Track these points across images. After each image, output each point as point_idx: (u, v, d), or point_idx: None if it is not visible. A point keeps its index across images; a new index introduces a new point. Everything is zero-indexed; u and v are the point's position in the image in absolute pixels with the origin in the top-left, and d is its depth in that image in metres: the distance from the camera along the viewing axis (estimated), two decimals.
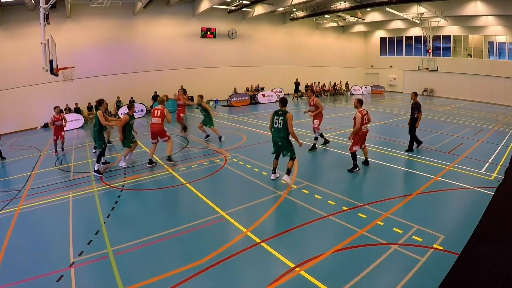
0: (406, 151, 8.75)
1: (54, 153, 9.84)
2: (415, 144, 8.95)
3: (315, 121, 9.21)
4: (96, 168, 7.56)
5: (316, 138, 9.29)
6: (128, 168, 7.96)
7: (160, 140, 8.04)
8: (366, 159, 7.65)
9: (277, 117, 6.28)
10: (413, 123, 8.59)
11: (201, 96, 10.46)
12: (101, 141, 7.65)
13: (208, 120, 10.28)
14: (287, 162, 6.40)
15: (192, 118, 15.76)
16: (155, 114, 7.88)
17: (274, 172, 6.76)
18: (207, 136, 10.62)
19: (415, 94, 8.80)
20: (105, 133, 8.30)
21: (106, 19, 17.37)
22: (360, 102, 7.26)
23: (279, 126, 6.25)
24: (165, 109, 8.00)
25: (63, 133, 10.05)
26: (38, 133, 14.81)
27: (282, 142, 6.31)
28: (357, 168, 7.27)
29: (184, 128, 11.83)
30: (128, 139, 7.84)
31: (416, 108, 8.54)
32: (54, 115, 9.87)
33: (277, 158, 6.66)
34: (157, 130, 7.87)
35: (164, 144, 8.14)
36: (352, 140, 7.24)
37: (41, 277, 3.77)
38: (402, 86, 27.57)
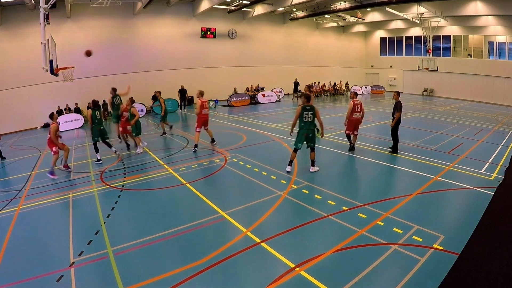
0: (390, 152, 8.61)
1: (52, 177, 7.44)
2: (398, 147, 8.62)
3: None
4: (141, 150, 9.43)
5: None
6: (128, 168, 7.97)
7: (207, 128, 9.57)
8: (353, 145, 8.86)
9: (307, 112, 6.90)
10: (395, 123, 8.33)
11: (159, 92, 11.99)
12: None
13: (162, 116, 11.62)
14: (310, 154, 7.15)
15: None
16: (205, 106, 9.34)
17: (290, 164, 7.21)
18: (171, 126, 12.05)
19: (397, 93, 8.55)
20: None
21: (106, 19, 17.36)
22: (355, 94, 8.79)
23: (309, 120, 6.92)
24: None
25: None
26: (38, 133, 14.81)
27: (312, 134, 7.00)
28: (353, 149, 8.81)
29: (128, 145, 10.11)
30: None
31: (396, 107, 8.32)
32: (54, 123, 7.58)
33: (296, 151, 7.13)
34: (208, 118, 9.53)
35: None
36: (346, 125, 8.79)
37: (41, 277, 3.77)
38: (402, 86, 27.57)
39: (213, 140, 9.84)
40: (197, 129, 9.33)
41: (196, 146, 9.36)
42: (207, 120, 9.48)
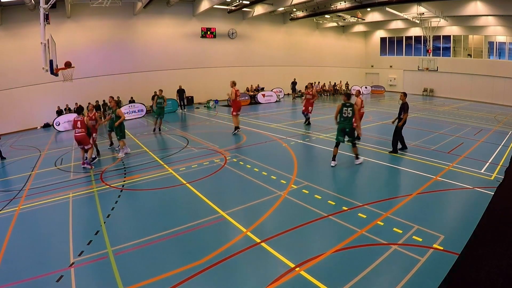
0: (390, 152, 8.57)
1: (88, 166, 8.09)
2: (399, 145, 8.64)
3: (309, 107, 12.45)
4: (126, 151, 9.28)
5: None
6: (128, 168, 7.97)
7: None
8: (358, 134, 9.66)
9: (346, 108, 7.43)
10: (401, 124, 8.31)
11: (160, 90, 12.74)
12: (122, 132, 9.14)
13: (162, 113, 12.44)
14: (352, 149, 7.66)
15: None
16: (238, 94, 11.00)
17: (334, 159, 7.63)
18: (158, 129, 12.56)
19: (404, 94, 8.49)
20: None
21: (106, 19, 17.37)
22: (359, 92, 10.02)
23: (348, 116, 7.40)
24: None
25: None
26: (38, 133, 14.82)
27: (350, 129, 7.46)
28: (359, 139, 9.50)
29: (97, 152, 9.44)
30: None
31: (402, 108, 8.29)
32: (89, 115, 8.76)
33: (337, 146, 7.63)
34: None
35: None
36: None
37: (41, 277, 3.77)
38: (402, 86, 27.55)
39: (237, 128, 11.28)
40: (234, 113, 10.86)
41: (236, 128, 11.01)
42: (241, 106, 11.06)
